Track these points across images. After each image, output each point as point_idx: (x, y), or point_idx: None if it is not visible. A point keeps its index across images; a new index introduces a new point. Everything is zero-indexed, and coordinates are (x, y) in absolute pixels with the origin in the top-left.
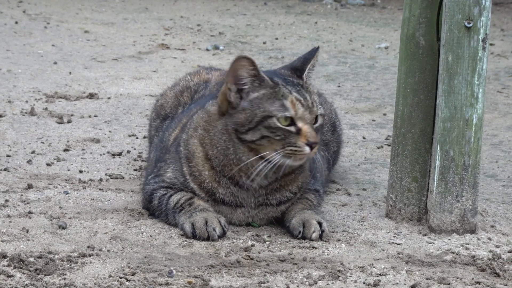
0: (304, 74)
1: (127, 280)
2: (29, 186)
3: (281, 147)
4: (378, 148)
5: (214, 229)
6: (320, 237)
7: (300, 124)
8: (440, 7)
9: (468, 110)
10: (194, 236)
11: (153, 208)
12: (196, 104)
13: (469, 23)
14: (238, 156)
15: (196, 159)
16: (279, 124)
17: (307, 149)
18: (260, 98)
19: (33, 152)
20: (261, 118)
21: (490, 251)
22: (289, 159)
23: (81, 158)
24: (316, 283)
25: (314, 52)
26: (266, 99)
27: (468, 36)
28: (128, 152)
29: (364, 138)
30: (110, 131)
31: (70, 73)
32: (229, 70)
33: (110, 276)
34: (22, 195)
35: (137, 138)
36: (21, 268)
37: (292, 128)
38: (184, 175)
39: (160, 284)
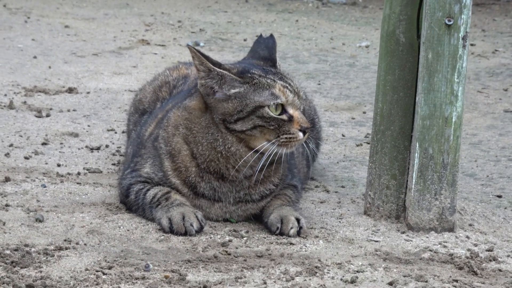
0: (277, 63)
1: (104, 273)
2: (7, 179)
3: (276, 136)
4: (357, 145)
5: (191, 224)
6: (298, 234)
7: (291, 111)
8: (421, 4)
9: (447, 108)
10: (172, 231)
11: (130, 203)
12: (173, 99)
13: (449, 20)
14: (227, 146)
15: (183, 157)
16: (272, 114)
17: (301, 135)
18: (245, 92)
19: (11, 145)
20: (252, 108)
21: (468, 250)
22: (284, 148)
23: (59, 152)
24: (293, 279)
25: (272, 39)
26: (252, 91)
27: (448, 33)
28: (107, 146)
29: (343, 135)
30: (88, 126)
31: (49, 67)
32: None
33: (86, 269)
34: None
35: (115, 132)
36: None
37: (284, 116)
38: (164, 170)
39: (136, 278)
